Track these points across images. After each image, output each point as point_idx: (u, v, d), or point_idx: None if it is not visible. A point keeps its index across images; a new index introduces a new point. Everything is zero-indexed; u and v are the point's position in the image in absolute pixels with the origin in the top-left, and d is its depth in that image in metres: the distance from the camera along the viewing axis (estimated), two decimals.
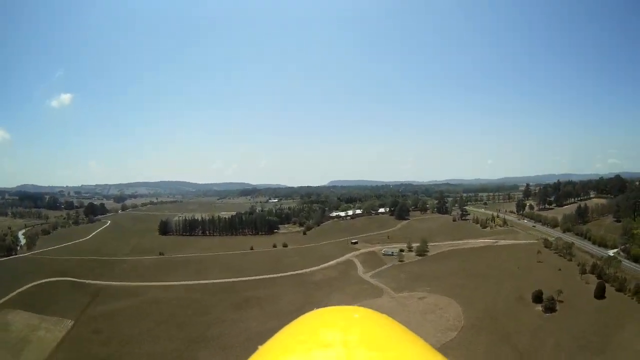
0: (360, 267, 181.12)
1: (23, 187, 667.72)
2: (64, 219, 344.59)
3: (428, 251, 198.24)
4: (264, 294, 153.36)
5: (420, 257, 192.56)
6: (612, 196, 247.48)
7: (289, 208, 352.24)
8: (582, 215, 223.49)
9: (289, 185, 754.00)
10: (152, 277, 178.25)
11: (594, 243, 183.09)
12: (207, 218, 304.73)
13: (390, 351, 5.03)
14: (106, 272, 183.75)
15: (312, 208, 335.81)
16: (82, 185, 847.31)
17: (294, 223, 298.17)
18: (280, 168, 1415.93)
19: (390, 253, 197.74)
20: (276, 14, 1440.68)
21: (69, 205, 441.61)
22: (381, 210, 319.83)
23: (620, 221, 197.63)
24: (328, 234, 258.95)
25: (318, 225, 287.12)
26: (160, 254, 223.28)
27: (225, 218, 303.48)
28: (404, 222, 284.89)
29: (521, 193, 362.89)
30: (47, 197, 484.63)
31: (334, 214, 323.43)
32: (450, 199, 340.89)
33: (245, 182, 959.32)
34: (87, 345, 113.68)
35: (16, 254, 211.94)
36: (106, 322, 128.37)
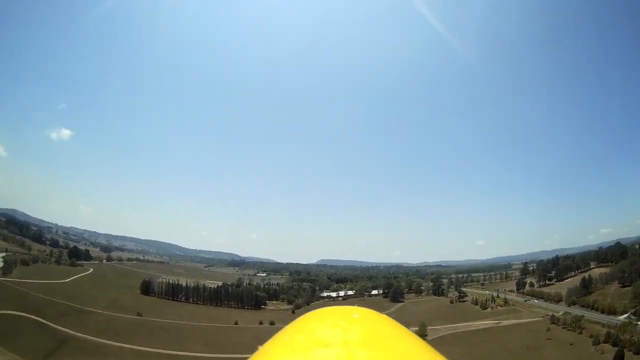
0: None
1: (13, 212, 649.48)
2: (47, 255, 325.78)
3: (427, 336, 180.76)
4: None
5: None
6: (614, 264, 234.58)
7: (278, 284, 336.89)
8: (587, 286, 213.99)
9: (278, 260, 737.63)
10: (127, 338, 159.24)
11: (602, 312, 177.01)
12: (192, 285, 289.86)
13: (391, 351, 4.87)
14: (78, 322, 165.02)
15: (301, 286, 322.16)
16: (71, 226, 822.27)
17: (282, 300, 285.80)
18: (270, 242, 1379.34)
19: None
20: (272, 81, 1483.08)
21: (54, 243, 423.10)
22: (374, 292, 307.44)
23: (625, 286, 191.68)
24: None
25: (308, 305, 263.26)
26: (139, 314, 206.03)
27: (210, 287, 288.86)
28: (399, 304, 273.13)
29: (516, 272, 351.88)
30: (34, 229, 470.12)
31: (325, 293, 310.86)
32: (445, 281, 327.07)
33: (234, 252, 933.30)
34: None
35: None
36: None
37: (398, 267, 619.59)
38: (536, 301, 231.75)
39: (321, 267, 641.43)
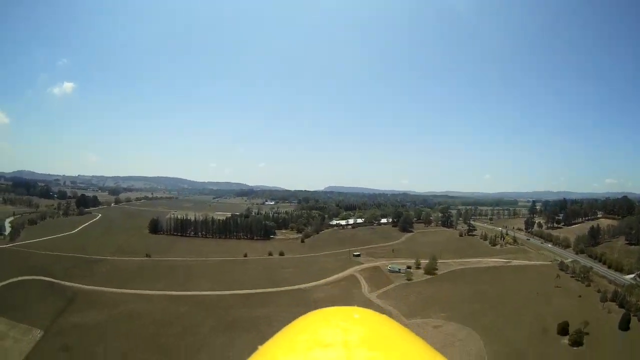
0: (365, 285, 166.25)
1: (19, 173, 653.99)
2: (55, 209, 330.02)
3: (437, 269, 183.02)
4: (257, 313, 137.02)
5: (429, 276, 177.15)
6: (621, 217, 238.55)
7: (287, 213, 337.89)
8: (595, 236, 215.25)
9: (287, 188, 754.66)
10: (136, 283, 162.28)
11: (609, 267, 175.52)
12: (201, 219, 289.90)
13: (391, 351, 5.05)
14: (87, 274, 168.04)
15: (310, 214, 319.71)
16: (78, 175, 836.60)
17: (292, 229, 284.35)
18: (278, 171, 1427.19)
19: (396, 270, 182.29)
20: (283, 17, 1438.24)
21: (62, 195, 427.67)
22: (383, 220, 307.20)
23: (632, 244, 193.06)
24: (328, 244, 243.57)
25: (317, 234, 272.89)
26: (147, 255, 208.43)
27: (219, 220, 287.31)
28: (408, 234, 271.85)
29: (523, 209, 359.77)
30: (41, 185, 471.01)
31: (334, 222, 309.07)
32: (454, 212, 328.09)
33: (243, 182, 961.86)
34: None
35: None
36: (77, 337, 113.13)
37: (405, 195, 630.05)
38: (544, 244, 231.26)
39: (329, 194, 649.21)
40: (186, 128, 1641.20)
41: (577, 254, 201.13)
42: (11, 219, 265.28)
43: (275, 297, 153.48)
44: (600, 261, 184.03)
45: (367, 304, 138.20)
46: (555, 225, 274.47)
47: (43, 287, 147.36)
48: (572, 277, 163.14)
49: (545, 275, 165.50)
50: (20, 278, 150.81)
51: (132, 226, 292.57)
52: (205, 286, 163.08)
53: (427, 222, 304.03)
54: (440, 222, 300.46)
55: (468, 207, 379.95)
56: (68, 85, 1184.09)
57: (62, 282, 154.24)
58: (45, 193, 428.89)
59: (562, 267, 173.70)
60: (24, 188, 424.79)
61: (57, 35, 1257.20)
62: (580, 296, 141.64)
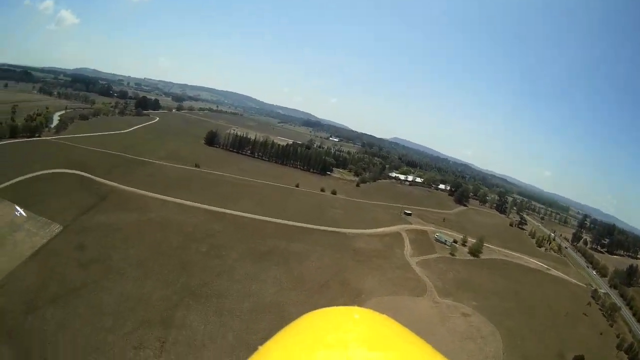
0: (408, 247, 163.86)
1: (82, 70, 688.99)
2: (111, 107, 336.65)
3: (482, 253, 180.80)
4: (293, 248, 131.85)
5: (472, 257, 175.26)
6: None
7: (348, 153, 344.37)
8: (631, 275, 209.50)
9: (353, 128, 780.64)
10: (176, 191, 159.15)
11: (634, 314, 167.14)
12: (261, 140, 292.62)
13: (391, 351, 5.25)
14: (127, 174, 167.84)
15: (372, 160, 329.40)
16: (145, 78, 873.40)
17: (350, 170, 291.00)
18: (348, 109, 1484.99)
19: (443, 240, 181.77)
20: None
21: (122, 95, 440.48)
22: (441, 186, 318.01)
23: None
24: (382, 194, 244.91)
25: (374, 181, 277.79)
26: (196, 165, 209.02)
27: (279, 145, 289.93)
28: (462, 207, 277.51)
29: (573, 219, 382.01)
30: (102, 83, 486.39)
31: (394, 174, 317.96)
32: (510, 200, 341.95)
33: (311, 113, 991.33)
34: (63, 263, 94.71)
35: (39, 136, 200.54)
36: (97, 239, 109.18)
37: (466, 167, 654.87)
38: (584, 263, 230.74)
39: (394, 144, 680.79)
40: (264, 48, 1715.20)
41: (610, 287, 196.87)
42: (61, 112, 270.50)
43: (317, 235, 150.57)
44: (628, 305, 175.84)
45: (405, 267, 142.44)
46: (599, 248, 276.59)
47: (76, 182, 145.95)
48: (600, 310, 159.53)
49: (578, 297, 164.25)
50: (54, 170, 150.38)
51: (189, 134, 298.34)
52: (247, 207, 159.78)
53: (482, 201, 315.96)
54: (495, 205, 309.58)
55: (523, 199, 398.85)
56: None
57: (98, 179, 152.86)
58: (105, 91, 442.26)
59: (594, 295, 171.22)
60: (83, 84, 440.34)
61: None
62: (601, 334, 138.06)
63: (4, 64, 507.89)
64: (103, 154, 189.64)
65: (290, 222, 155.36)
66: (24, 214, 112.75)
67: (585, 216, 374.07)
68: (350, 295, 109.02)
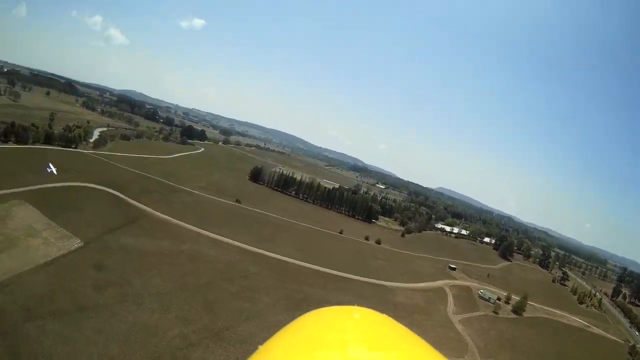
0: (451, 303, 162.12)
1: (128, 92, 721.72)
2: (155, 131, 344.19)
3: (525, 311, 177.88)
4: (331, 298, 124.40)
5: (515, 316, 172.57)
6: None
7: (394, 200, 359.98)
8: None
9: (399, 176, 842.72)
10: (212, 224, 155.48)
11: None
12: (307, 181, 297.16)
13: (391, 351, 5.38)
14: (163, 200, 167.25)
15: (418, 210, 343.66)
16: (193, 108, 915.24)
17: (395, 219, 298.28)
18: (395, 157, 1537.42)
19: (487, 298, 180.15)
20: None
21: (168, 122, 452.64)
22: (486, 239, 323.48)
23: None
24: (427, 246, 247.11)
25: (419, 232, 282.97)
26: (237, 201, 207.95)
27: (325, 187, 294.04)
28: (506, 263, 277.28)
29: (612, 273, 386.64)
30: (148, 107, 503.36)
31: (440, 225, 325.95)
32: (553, 254, 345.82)
33: (358, 158, 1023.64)
34: (76, 280, 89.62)
35: (75, 148, 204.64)
36: (119, 261, 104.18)
37: (509, 219, 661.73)
38: (623, 318, 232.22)
39: (439, 194, 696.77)
40: (315, 89, 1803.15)
41: None
42: (103, 129, 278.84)
43: (357, 285, 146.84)
44: None
45: (447, 325, 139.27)
46: (638, 302, 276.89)
47: (106, 200, 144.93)
48: None
49: (617, 353, 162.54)
50: (85, 184, 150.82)
51: (233, 168, 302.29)
52: (287, 251, 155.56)
53: (526, 256, 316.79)
54: (538, 260, 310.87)
55: (565, 253, 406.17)
56: (198, 22, 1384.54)
57: (131, 201, 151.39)
58: (151, 116, 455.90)
59: (631, 351, 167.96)
60: (129, 105, 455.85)
61: None
62: None
63: (47, 72, 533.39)
64: (140, 176, 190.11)
65: (331, 271, 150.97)
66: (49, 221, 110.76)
67: (625, 269, 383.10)
68: None
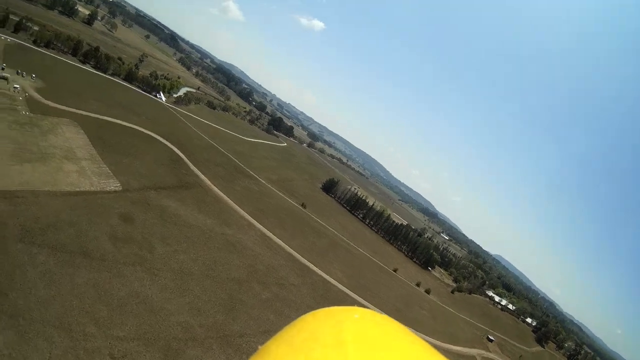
0: None
1: (230, 66, 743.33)
2: (245, 111, 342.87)
3: None
4: None
5: None
6: None
7: (454, 255, 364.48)
8: None
9: (463, 231, 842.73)
10: (268, 220, 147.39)
11: None
12: (377, 209, 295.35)
13: (391, 352, 5.07)
14: (226, 178, 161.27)
15: (474, 271, 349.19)
16: (289, 103, 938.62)
17: (450, 273, 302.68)
18: (468, 212, 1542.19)
19: None
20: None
21: (260, 107, 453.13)
22: (528, 319, 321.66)
23: None
24: (472, 310, 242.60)
25: (469, 294, 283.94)
26: (303, 205, 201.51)
27: (393, 221, 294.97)
28: (540, 348, 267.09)
29: None
30: (245, 86, 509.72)
31: (490, 293, 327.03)
32: (582, 351, 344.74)
33: (431, 202, 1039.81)
34: (92, 222, 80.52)
35: (156, 96, 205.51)
36: (149, 222, 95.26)
37: (551, 305, 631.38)
38: None
39: (496, 261, 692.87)
40: (415, 125, 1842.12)
41: None
42: (190, 90, 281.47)
43: None
44: None
45: None
46: None
47: (166, 156, 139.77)
48: None
49: None
50: (150, 132, 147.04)
51: (309, 172, 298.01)
52: (336, 272, 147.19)
53: (559, 347, 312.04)
54: (568, 354, 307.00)
55: (593, 354, 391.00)
56: (318, 24, 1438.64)
57: (192, 167, 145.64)
58: (245, 95, 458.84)
59: None
60: (225, 77, 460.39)
61: None
62: None
63: (153, 19, 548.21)
64: (211, 146, 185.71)
65: (373, 307, 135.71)
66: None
67: None
68: None
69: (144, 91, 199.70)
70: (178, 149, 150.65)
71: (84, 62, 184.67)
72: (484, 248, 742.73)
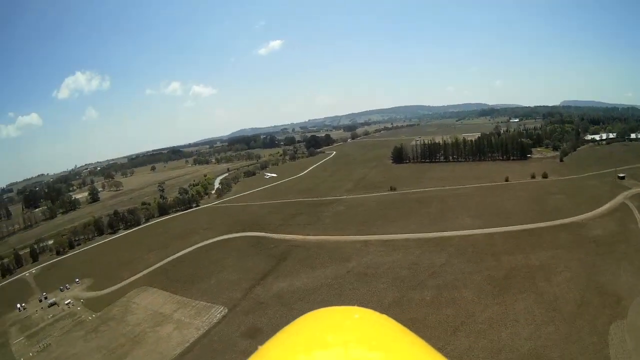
0: (639, 219, 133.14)
1: (240, 132, 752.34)
2: (280, 155, 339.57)
3: None
4: (533, 261, 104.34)
5: None
6: None
7: (539, 129, 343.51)
8: None
9: (524, 104, 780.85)
10: (376, 224, 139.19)
11: None
12: (450, 141, 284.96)
13: (391, 351, 5.33)
14: (311, 220, 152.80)
15: (564, 129, 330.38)
16: (309, 120, 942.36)
17: (546, 146, 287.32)
18: (514, 87, 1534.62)
19: None
20: None
21: (289, 141, 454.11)
22: (632, 135, 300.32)
23: None
24: (587, 163, 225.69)
25: (574, 150, 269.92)
26: (392, 188, 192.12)
27: (470, 141, 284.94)
28: None
29: None
30: (263, 136, 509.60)
31: (589, 137, 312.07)
32: None
33: (482, 102, 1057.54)
34: None
35: (197, 206, 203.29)
36: (275, 316, 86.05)
37: (634, 109, 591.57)
38: None
39: (567, 108, 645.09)
40: (419, 55, 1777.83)
41: None
42: (223, 175, 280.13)
43: (551, 234, 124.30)
44: None
45: None
46: None
47: (246, 246, 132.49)
48: None
49: None
50: (215, 239, 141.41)
51: (372, 158, 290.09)
52: (465, 222, 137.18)
53: None
54: None
55: None
56: (276, 43, 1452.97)
57: (274, 235, 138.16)
58: (269, 143, 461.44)
59: None
60: (243, 143, 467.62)
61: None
62: None
63: (147, 152, 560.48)
64: (277, 205, 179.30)
65: (517, 227, 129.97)
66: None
67: None
68: (610, 306, 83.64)
69: (184, 210, 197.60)
70: (251, 231, 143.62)
71: (114, 232, 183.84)
72: (551, 105, 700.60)
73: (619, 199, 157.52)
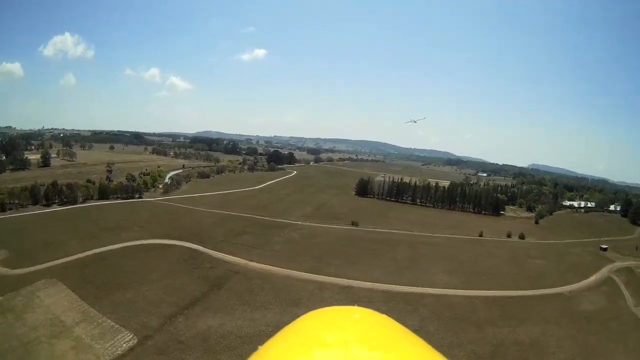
0: (627, 296, 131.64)
1: (204, 133, 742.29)
2: (239, 164, 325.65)
3: None
4: (522, 337, 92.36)
5: None
6: None
7: (514, 186, 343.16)
8: None
9: (491, 161, 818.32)
10: (333, 263, 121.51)
11: None
12: (420, 184, 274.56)
13: (391, 352, 5.42)
14: (258, 243, 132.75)
15: (541, 190, 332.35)
16: (274, 135, 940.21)
17: (520, 205, 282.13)
18: (482, 143, 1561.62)
19: None
20: None
21: (251, 152, 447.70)
22: (611, 207, 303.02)
23: None
24: (565, 229, 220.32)
25: (550, 214, 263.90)
26: (354, 223, 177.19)
27: (443, 187, 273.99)
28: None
29: None
30: (226, 141, 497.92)
31: (567, 202, 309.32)
32: None
33: (449, 151, 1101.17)
34: None
35: (139, 197, 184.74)
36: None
37: (605, 182, 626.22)
38: None
39: (535, 171, 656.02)
40: (392, 95, 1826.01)
41: None
42: (176, 171, 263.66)
43: (537, 304, 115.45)
44: None
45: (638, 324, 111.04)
46: None
47: (178, 258, 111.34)
48: None
49: None
50: (147, 241, 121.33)
51: (335, 185, 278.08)
52: (439, 277, 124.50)
53: None
54: None
55: None
56: (260, 52, 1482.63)
57: (214, 253, 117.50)
58: (231, 150, 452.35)
59: None
60: (205, 144, 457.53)
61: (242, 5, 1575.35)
62: None
63: (114, 131, 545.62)
64: (224, 217, 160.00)
65: (499, 292, 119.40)
66: None
67: None
68: None
69: (125, 199, 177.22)
70: (188, 241, 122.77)
71: (48, 205, 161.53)
72: (518, 165, 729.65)
73: (604, 271, 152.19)
